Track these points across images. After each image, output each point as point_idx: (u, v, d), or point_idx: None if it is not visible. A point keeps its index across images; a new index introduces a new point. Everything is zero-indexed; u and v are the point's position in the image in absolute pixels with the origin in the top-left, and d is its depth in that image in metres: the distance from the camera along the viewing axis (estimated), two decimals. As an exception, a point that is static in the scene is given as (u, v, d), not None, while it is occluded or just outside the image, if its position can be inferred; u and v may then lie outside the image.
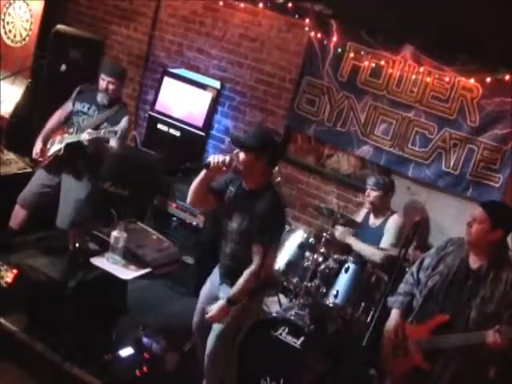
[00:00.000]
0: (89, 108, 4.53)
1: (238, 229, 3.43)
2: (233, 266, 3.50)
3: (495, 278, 3.17)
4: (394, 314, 3.44)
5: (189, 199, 3.53)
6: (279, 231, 3.60)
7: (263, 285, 3.53)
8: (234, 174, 3.46)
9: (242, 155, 3.31)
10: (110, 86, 4.45)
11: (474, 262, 3.24)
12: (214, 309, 3.40)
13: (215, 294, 3.60)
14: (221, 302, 3.39)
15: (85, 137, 4.25)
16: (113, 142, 4.32)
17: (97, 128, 4.36)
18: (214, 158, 3.29)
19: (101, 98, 4.50)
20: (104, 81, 4.46)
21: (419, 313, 3.36)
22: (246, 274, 3.35)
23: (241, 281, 3.36)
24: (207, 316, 3.44)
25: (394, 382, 3.44)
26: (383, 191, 4.63)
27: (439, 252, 3.39)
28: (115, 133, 4.21)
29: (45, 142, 4.58)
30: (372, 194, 4.63)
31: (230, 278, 3.52)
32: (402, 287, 3.52)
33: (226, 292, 3.48)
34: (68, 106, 4.65)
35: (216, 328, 3.49)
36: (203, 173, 3.38)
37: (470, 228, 3.20)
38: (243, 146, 3.32)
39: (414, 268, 3.53)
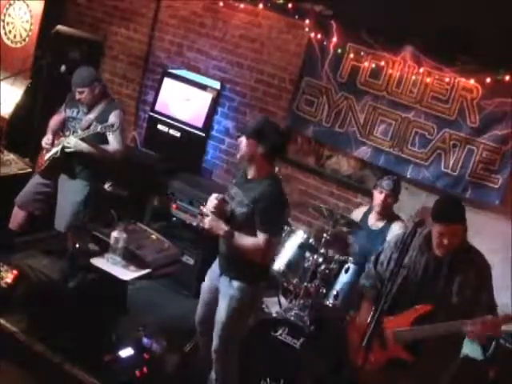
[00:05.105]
0: (77, 112, 4.57)
1: (236, 215, 3.42)
2: (231, 254, 3.47)
3: (466, 262, 3.18)
4: (366, 307, 3.43)
5: None
6: (280, 218, 3.55)
7: (258, 275, 3.52)
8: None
9: (243, 142, 3.39)
10: (80, 95, 4.47)
11: (442, 253, 3.23)
12: (212, 220, 3.38)
13: (216, 284, 3.60)
14: (222, 223, 3.36)
15: (66, 141, 4.34)
16: (110, 137, 4.36)
17: (87, 129, 4.38)
18: (203, 209, 3.44)
19: (81, 105, 4.55)
20: (75, 92, 4.50)
21: (392, 307, 3.28)
22: (252, 239, 3.35)
23: (245, 239, 3.35)
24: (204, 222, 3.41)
25: (368, 377, 3.30)
26: (396, 196, 4.56)
27: (398, 246, 3.32)
28: (110, 126, 4.25)
29: (53, 134, 4.60)
30: (388, 199, 4.48)
31: (229, 267, 3.51)
32: (364, 282, 3.56)
33: (225, 285, 3.48)
34: (62, 112, 4.70)
35: (219, 321, 3.48)
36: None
37: (445, 243, 3.16)
38: (244, 132, 3.43)
39: (371, 264, 3.55)
